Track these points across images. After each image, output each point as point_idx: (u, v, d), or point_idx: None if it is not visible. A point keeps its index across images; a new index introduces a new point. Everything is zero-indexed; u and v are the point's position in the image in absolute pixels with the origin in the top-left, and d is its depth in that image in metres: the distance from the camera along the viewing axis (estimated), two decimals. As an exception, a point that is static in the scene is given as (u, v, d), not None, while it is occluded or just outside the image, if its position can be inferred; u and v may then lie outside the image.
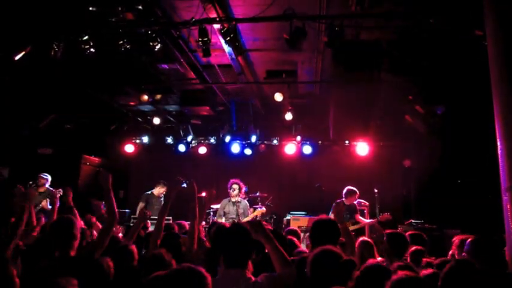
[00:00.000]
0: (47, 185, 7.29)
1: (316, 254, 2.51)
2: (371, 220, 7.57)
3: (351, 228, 7.41)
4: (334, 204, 6.42)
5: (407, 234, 4.32)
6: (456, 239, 4.09)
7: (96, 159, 10.72)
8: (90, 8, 5.30)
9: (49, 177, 7.37)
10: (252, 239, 2.62)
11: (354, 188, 7.60)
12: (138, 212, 7.72)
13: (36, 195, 6.82)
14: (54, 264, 2.90)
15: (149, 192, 8.48)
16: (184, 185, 4.08)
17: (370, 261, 3.42)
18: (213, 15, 5.53)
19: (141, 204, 8.23)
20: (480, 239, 3.25)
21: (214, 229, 4.00)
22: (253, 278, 2.49)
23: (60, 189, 6.65)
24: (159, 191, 8.44)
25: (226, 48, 6.43)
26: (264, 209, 8.17)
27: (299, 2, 5.44)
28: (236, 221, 7.54)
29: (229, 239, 2.63)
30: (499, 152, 3.84)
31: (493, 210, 6.75)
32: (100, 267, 2.57)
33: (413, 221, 8.03)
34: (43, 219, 5.12)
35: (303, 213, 8.79)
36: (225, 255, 2.59)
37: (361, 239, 4.32)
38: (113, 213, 3.34)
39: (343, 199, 7.55)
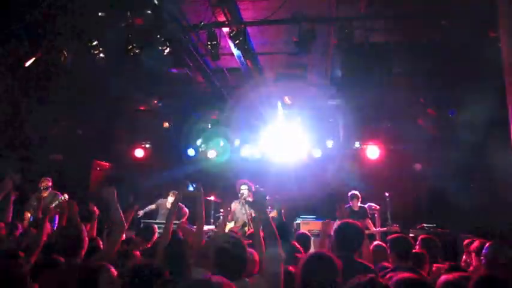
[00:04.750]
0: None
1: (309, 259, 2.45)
2: (379, 229, 7.45)
3: None
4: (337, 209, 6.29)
5: (419, 238, 4.23)
6: (475, 243, 3.85)
7: (107, 164, 10.76)
8: (100, 14, 5.32)
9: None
10: (246, 252, 2.59)
11: (355, 192, 7.72)
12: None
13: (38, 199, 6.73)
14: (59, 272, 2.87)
15: (164, 199, 8.42)
16: (191, 188, 4.05)
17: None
18: (222, 19, 5.53)
19: (151, 207, 8.30)
20: (500, 244, 3.14)
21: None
22: (250, 280, 2.53)
23: (66, 194, 6.54)
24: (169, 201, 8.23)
25: (235, 52, 6.40)
26: (276, 211, 8.04)
27: (308, 4, 5.41)
28: (246, 221, 7.48)
29: (222, 255, 2.54)
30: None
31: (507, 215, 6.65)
32: (109, 275, 2.51)
33: (425, 225, 7.89)
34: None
35: (313, 217, 8.69)
36: (220, 272, 2.39)
37: (375, 243, 4.27)
38: (121, 223, 3.32)
39: (350, 204, 7.58)
